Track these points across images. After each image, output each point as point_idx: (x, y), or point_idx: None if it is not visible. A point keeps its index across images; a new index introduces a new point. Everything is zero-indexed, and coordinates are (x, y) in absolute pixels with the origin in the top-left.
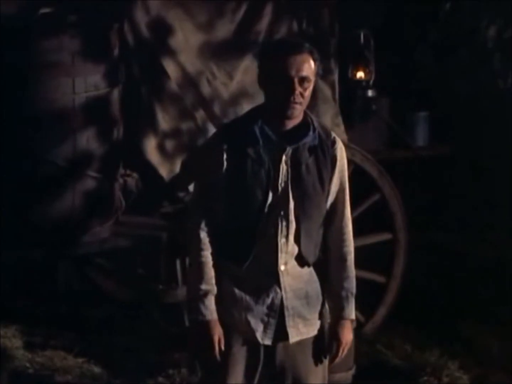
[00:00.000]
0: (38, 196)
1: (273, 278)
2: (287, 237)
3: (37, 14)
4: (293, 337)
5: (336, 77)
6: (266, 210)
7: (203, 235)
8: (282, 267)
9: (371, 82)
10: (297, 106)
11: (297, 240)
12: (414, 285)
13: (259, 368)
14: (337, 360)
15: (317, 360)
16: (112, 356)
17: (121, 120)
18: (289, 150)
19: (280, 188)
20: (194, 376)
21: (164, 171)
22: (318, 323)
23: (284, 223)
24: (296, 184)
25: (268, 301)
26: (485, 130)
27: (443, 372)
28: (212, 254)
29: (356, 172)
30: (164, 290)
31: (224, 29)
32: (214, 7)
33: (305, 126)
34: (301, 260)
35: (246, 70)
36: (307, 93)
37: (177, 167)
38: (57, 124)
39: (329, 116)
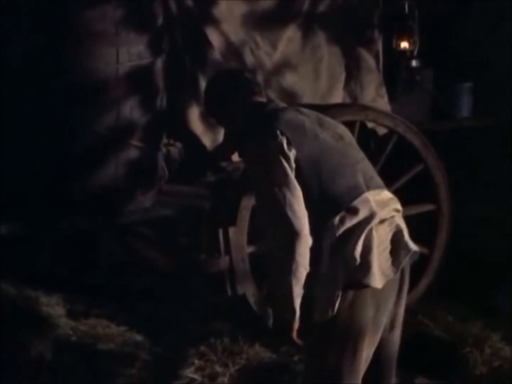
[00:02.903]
0: (81, 166)
1: None
2: None
3: None
4: None
5: (380, 47)
6: None
7: None
8: None
9: (415, 52)
10: None
11: None
12: (456, 256)
13: None
14: None
15: None
16: (154, 325)
17: (165, 89)
18: None
19: None
20: (236, 345)
21: (207, 141)
22: None
23: None
24: None
25: None
26: None
27: (485, 344)
28: None
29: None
30: (206, 259)
31: None
32: None
33: None
34: None
35: (290, 40)
36: None
37: (220, 137)
38: (100, 94)
39: (373, 87)
